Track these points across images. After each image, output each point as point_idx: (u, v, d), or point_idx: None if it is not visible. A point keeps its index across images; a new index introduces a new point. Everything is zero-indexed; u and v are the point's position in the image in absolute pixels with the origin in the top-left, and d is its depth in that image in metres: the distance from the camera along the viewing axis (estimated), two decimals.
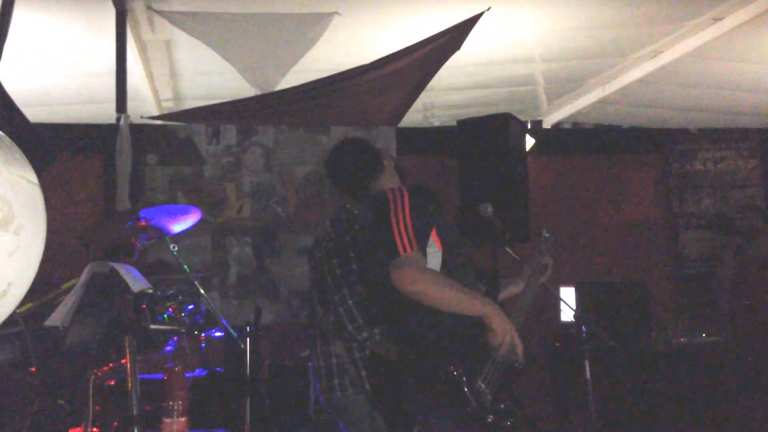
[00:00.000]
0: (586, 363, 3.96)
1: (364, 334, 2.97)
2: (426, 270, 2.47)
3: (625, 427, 5.32)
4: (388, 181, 2.85)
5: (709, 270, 6.34)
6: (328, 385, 3.05)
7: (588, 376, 4.06)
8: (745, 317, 5.66)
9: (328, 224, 3.20)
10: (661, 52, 5.85)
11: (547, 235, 3.17)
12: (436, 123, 7.10)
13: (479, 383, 2.38)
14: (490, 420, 2.34)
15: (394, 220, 2.50)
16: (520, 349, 2.51)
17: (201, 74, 5.91)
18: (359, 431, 3.00)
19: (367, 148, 2.89)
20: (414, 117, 6.40)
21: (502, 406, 2.41)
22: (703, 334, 5.64)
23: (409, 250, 2.44)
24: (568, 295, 5.37)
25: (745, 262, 5.64)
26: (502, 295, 3.02)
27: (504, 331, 2.46)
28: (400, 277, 2.41)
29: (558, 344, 5.63)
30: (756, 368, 5.50)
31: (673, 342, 5.56)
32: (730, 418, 5.39)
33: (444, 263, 2.58)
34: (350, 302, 2.98)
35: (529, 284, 2.97)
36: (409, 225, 2.49)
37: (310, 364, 4.24)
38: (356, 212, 3.21)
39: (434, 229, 2.58)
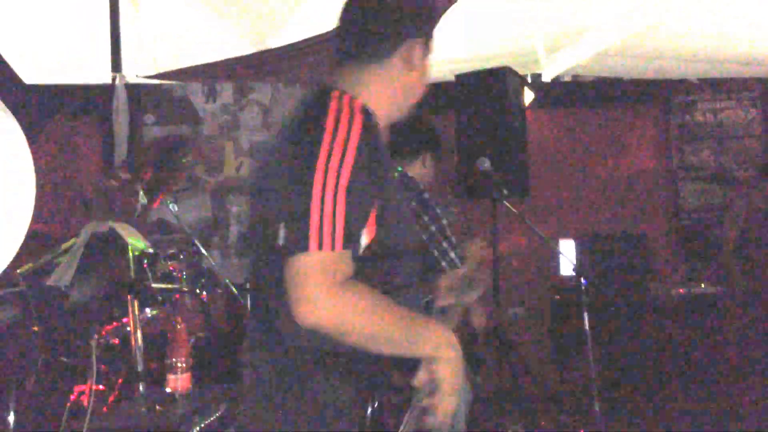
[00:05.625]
0: (585, 315, 4.00)
1: None
2: (348, 287, 1.38)
3: (625, 379, 5.39)
4: (392, 85, 1.70)
5: (708, 221, 6.34)
6: None
7: (587, 328, 4.10)
8: (748, 268, 5.68)
9: None
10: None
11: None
12: (433, 77, 7.02)
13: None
14: None
15: (319, 177, 1.35)
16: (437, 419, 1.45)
17: (196, 31, 5.83)
18: None
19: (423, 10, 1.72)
20: None
21: None
22: (702, 285, 5.68)
23: (327, 247, 1.34)
24: (567, 248, 5.40)
25: (751, 212, 5.62)
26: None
27: (446, 391, 1.44)
28: (301, 298, 1.35)
29: (558, 297, 5.68)
30: (756, 319, 5.54)
31: (672, 293, 5.61)
32: (729, 368, 5.46)
33: (379, 264, 1.49)
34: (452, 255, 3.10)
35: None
36: (342, 198, 1.35)
37: None
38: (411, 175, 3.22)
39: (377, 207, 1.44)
